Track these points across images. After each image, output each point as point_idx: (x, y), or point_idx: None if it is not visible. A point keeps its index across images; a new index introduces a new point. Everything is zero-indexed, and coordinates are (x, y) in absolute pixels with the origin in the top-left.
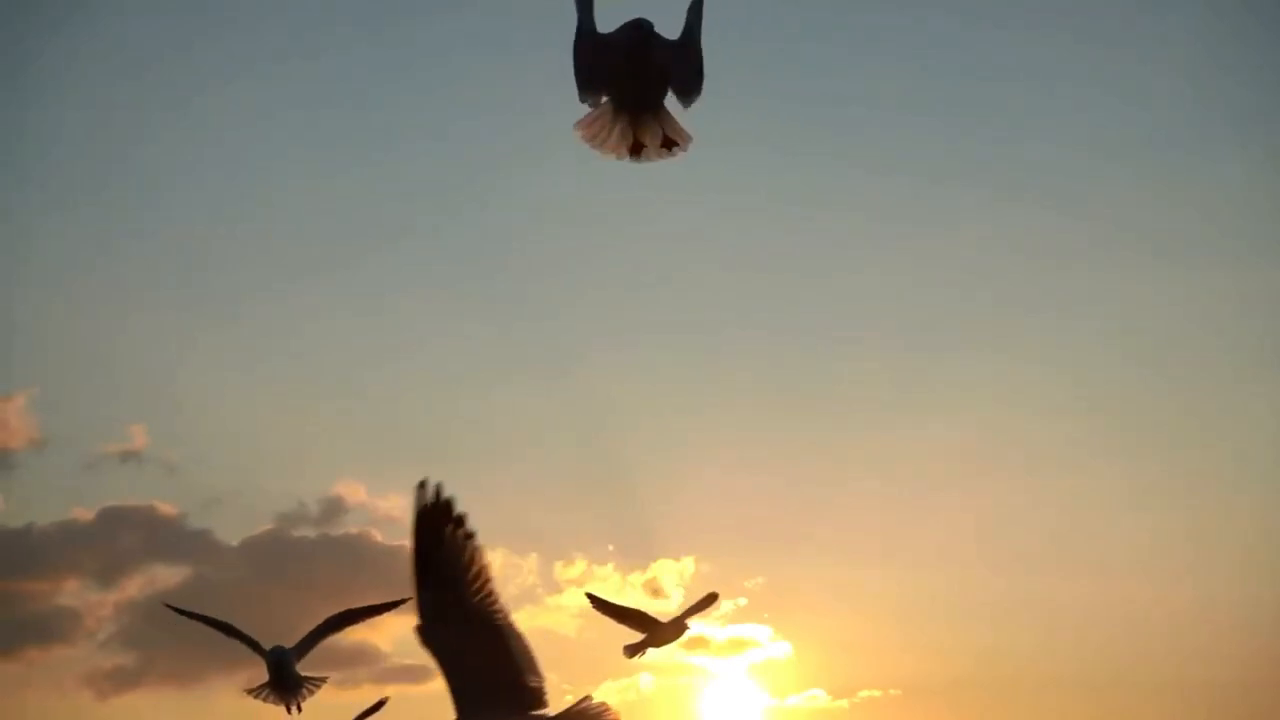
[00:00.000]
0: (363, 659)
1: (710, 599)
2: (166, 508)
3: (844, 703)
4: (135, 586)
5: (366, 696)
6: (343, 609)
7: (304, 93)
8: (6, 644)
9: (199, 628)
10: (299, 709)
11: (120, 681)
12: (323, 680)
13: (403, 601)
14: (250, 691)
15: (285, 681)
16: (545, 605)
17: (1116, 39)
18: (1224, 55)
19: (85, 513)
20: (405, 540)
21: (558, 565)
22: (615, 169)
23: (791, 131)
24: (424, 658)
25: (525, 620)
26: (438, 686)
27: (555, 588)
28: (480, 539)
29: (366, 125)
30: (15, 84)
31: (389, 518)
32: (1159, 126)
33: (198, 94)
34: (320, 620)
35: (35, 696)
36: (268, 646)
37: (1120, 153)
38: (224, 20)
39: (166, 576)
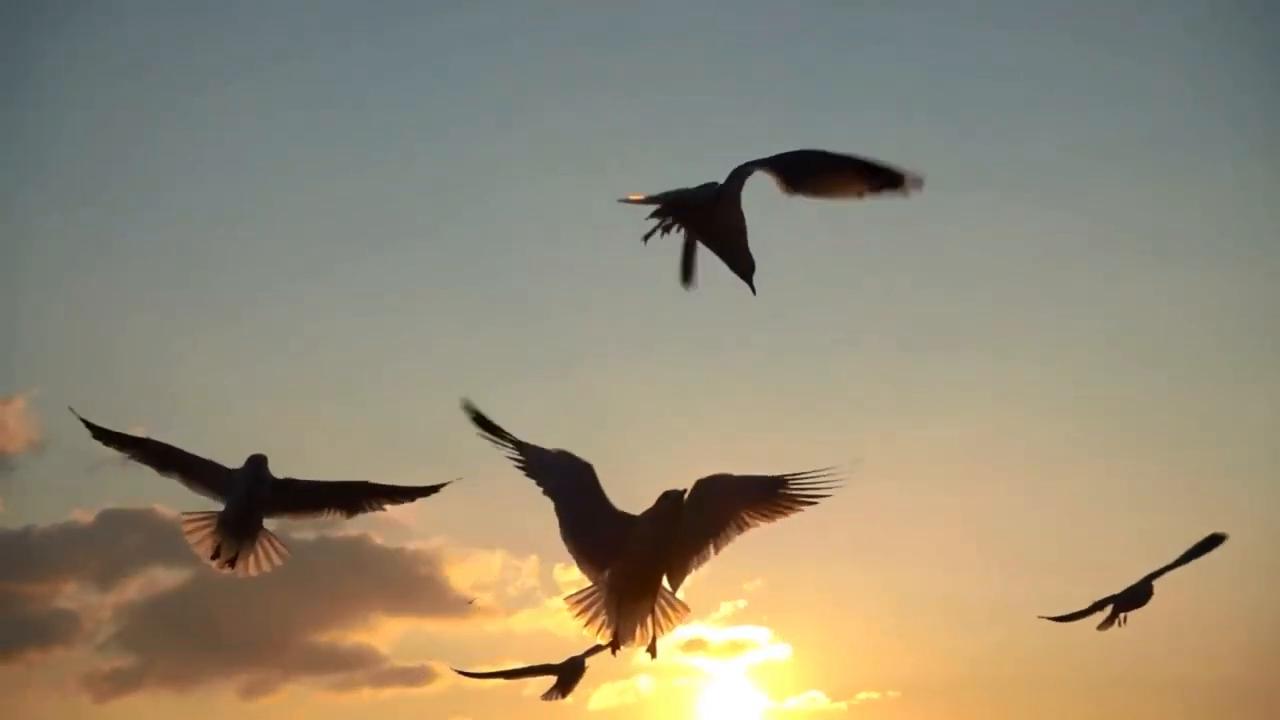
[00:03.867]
0: (361, 661)
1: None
2: (166, 510)
3: (842, 704)
4: (135, 589)
5: (366, 698)
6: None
7: (304, 93)
8: (6, 646)
9: (197, 629)
10: (231, 565)
11: (119, 683)
12: (284, 551)
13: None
14: (187, 517)
15: (245, 513)
16: (545, 608)
17: (1116, 39)
18: (1224, 55)
19: (85, 515)
20: (404, 543)
21: (557, 567)
22: (614, 173)
23: (791, 132)
24: (421, 660)
25: (525, 623)
26: (436, 688)
27: (555, 590)
28: (480, 541)
29: (366, 125)
30: (16, 84)
31: (388, 520)
32: (1159, 126)
33: (198, 94)
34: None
35: (34, 698)
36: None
37: (1120, 153)
38: (224, 20)
39: (166, 579)
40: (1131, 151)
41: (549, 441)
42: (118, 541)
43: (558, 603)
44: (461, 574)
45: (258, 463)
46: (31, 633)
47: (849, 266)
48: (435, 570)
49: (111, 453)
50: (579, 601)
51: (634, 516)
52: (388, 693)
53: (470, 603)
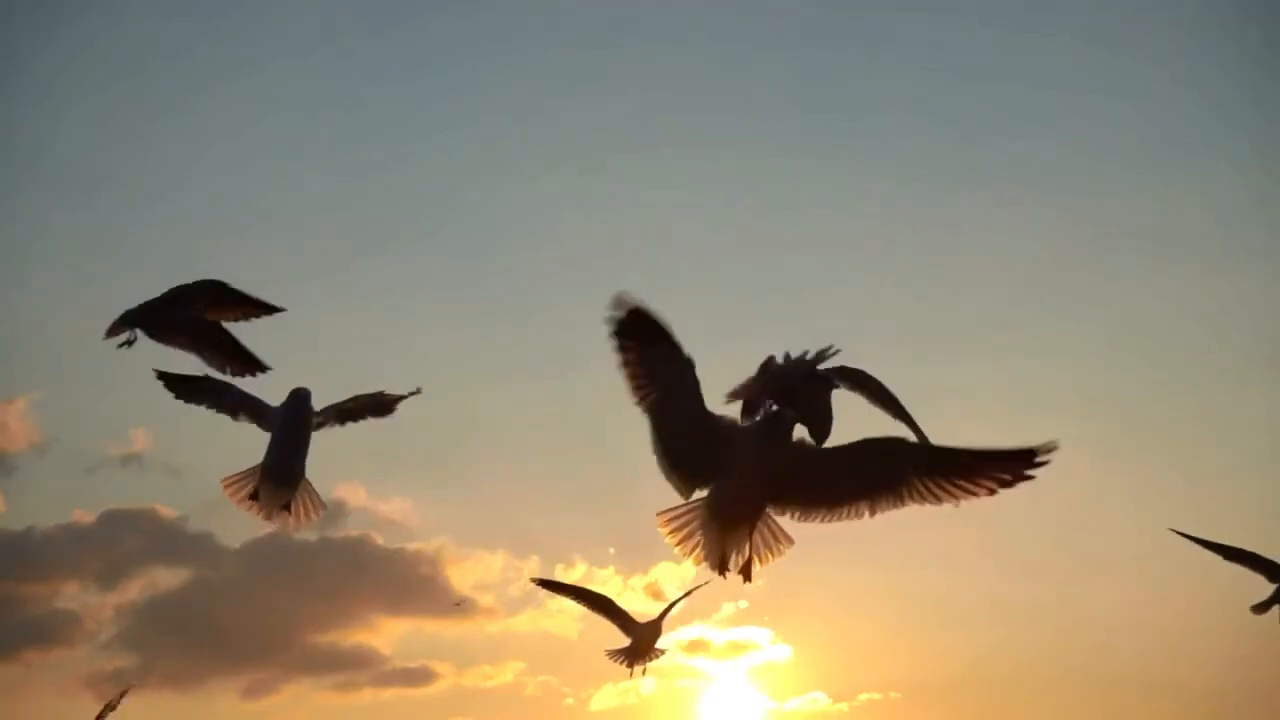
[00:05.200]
0: (363, 662)
1: None
2: (168, 511)
3: (844, 705)
4: (136, 589)
5: (367, 699)
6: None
7: (304, 93)
8: (7, 646)
9: (198, 629)
10: (286, 510)
11: (121, 683)
12: (319, 504)
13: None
14: (230, 481)
15: (288, 468)
16: (546, 609)
17: (1116, 39)
18: (1224, 56)
19: (86, 515)
20: (405, 544)
21: (559, 568)
22: (614, 173)
23: (793, 133)
24: (423, 660)
25: (527, 624)
26: (437, 689)
27: None
28: (481, 542)
29: (366, 125)
30: (16, 83)
31: (389, 520)
32: (1159, 126)
33: (198, 94)
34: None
35: (36, 698)
36: None
37: (1120, 153)
38: (224, 21)
39: (167, 579)
40: (1131, 151)
41: (550, 443)
42: (119, 542)
43: (559, 604)
44: (463, 574)
45: (304, 394)
46: (33, 633)
47: (849, 266)
48: (437, 571)
49: (113, 453)
50: (673, 520)
51: (737, 427)
52: (389, 693)
53: (458, 604)
